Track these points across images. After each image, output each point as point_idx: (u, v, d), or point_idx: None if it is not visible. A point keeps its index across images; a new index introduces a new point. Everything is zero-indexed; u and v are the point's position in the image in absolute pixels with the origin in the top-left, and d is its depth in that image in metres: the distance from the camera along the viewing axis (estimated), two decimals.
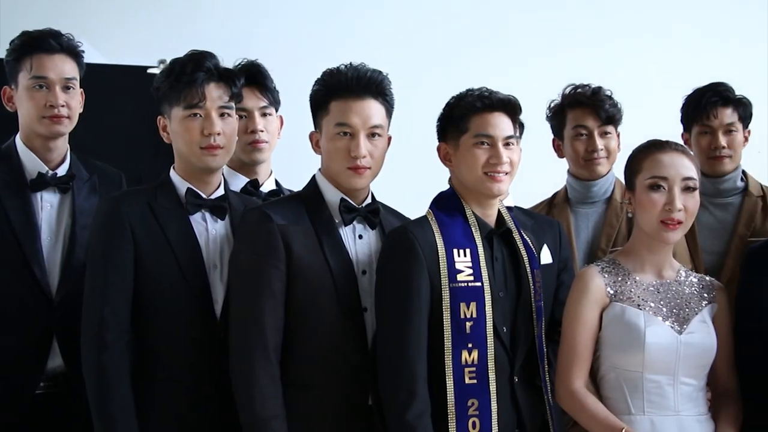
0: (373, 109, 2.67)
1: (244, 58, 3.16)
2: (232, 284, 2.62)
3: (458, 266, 2.57)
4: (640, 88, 4.82)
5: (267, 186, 3.20)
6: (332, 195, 2.69)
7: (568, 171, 3.40)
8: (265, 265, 2.56)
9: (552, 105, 3.40)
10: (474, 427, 2.50)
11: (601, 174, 3.31)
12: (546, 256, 2.85)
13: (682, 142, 3.34)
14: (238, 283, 2.59)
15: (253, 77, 3.11)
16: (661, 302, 2.56)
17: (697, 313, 2.56)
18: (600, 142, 3.28)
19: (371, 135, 2.66)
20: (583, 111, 3.29)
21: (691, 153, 2.65)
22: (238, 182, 3.13)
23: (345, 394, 2.59)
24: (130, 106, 4.35)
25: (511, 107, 2.65)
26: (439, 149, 2.72)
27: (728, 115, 3.41)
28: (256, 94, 3.14)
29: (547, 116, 3.42)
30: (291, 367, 2.57)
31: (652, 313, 2.52)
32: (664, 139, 2.64)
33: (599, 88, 3.30)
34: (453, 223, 2.63)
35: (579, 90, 3.32)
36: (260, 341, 2.52)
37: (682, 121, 3.53)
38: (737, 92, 3.43)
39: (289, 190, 3.15)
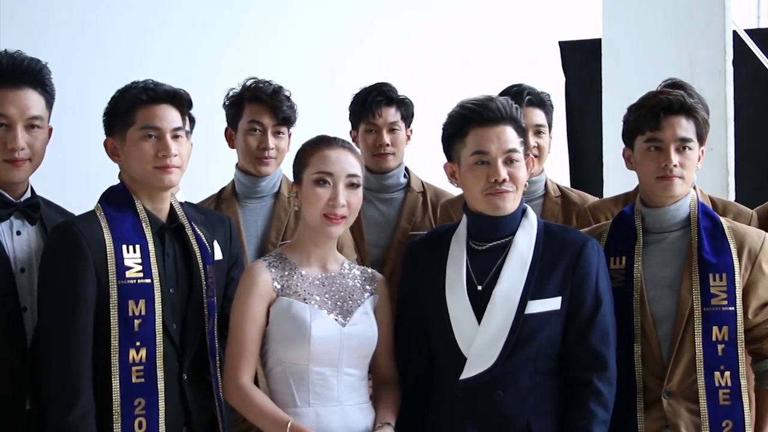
0: (31, 99, 2.55)
1: None
2: None
3: (127, 263, 2.51)
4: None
5: None
6: None
7: (237, 165, 3.40)
8: None
9: (231, 94, 3.37)
10: (140, 426, 2.46)
11: (268, 173, 3.33)
12: (217, 252, 2.83)
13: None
14: None
15: None
16: (326, 295, 2.60)
17: (360, 305, 2.62)
18: (272, 141, 3.29)
19: (29, 126, 2.55)
20: (261, 107, 3.29)
21: (357, 151, 2.72)
22: None
23: (0, 399, 2.46)
24: None
25: (178, 99, 2.62)
26: (106, 144, 2.63)
27: (392, 114, 3.55)
28: None
29: (224, 104, 3.39)
30: None
31: (317, 307, 2.56)
32: (332, 135, 2.69)
33: (280, 88, 3.32)
34: (123, 218, 2.56)
35: (260, 85, 3.31)
36: None
37: (350, 119, 3.63)
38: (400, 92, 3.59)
39: None
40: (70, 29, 4.78)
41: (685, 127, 2.66)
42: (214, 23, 5.12)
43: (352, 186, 2.61)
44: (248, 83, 3.33)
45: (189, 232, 2.65)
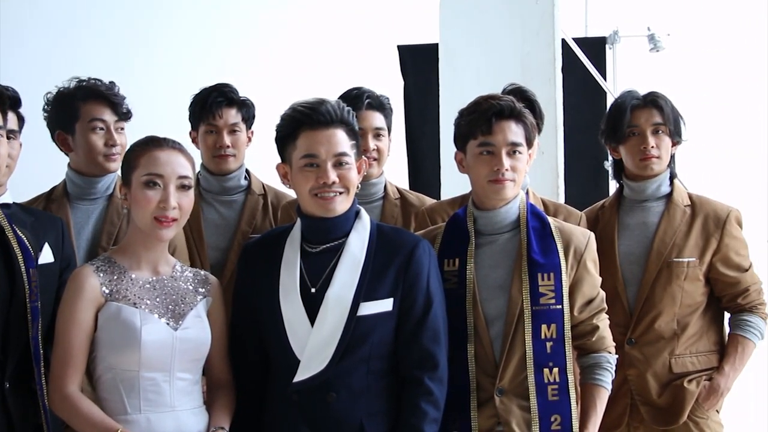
0: None
1: None
2: None
3: None
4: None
5: None
6: None
7: (69, 165, 3.29)
8: None
9: (56, 97, 3.26)
10: None
11: (111, 170, 3.25)
12: (47, 255, 2.75)
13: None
14: None
15: None
16: (157, 299, 2.56)
17: (192, 308, 2.59)
18: (117, 138, 3.22)
19: None
20: (100, 105, 3.20)
21: (188, 151, 2.68)
22: None
23: None
24: None
25: None
26: None
27: (233, 115, 3.52)
28: None
29: (47, 108, 3.27)
30: None
31: (148, 311, 2.51)
32: (162, 136, 2.65)
33: (113, 83, 3.25)
34: None
35: (92, 83, 3.23)
36: None
37: (190, 119, 3.58)
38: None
39: None
40: None
41: (515, 132, 2.73)
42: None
43: (183, 188, 2.58)
44: (74, 83, 3.23)
45: (9, 234, 2.56)
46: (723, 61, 5.96)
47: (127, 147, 3.20)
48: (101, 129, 3.21)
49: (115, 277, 2.54)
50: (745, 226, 3.33)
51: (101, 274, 2.53)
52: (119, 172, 3.24)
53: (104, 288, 2.51)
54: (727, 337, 3.32)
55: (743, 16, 5.93)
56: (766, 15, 5.87)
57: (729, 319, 3.34)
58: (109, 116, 3.21)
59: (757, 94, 5.89)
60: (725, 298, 3.30)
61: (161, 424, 2.48)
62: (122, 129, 3.25)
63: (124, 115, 3.24)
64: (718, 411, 3.28)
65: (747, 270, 3.28)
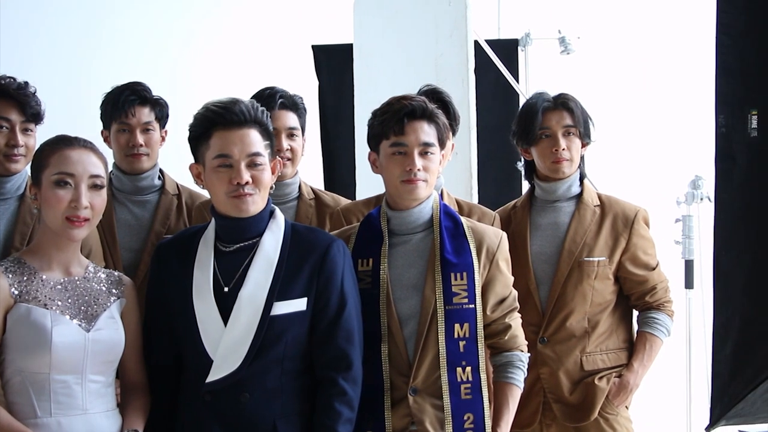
0: None
1: None
2: None
3: None
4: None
5: None
6: None
7: None
8: None
9: None
10: None
11: (17, 170, 3.19)
12: None
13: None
14: None
15: None
16: (69, 300, 2.52)
17: (105, 310, 2.56)
18: (21, 138, 3.16)
19: None
20: (6, 104, 3.13)
21: (100, 150, 2.65)
22: None
23: None
24: None
25: None
26: None
27: (146, 114, 3.49)
28: None
29: None
30: None
31: (59, 312, 2.48)
32: (72, 135, 2.62)
33: (26, 83, 3.19)
34: None
35: (3, 81, 3.17)
36: None
37: (101, 118, 3.54)
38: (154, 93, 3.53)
39: None
40: None
41: (428, 132, 2.75)
42: None
43: (95, 187, 2.55)
44: None
45: None
46: (630, 64, 6.10)
47: (34, 150, 3.19)
48: (5, 128, 3.15)
49: (25, 278, 2.50)
50: (652, 226, 3.41)
51: (10, 275, 2.49)
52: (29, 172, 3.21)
53: (13, 289, 2.47)
54: (635, 335, 3.41)
55: (650, 20, 6.09)
56: (671, 20, 6.04)
57: (637, 316, 3.42)
58: (15, 116, 3.15)
59: (663, 96, 6.05)
60: (633, 296, 3.37)
61: (72, 427, 2.45)
62: (30, 131, 3.18)
63: (33, 117, 3.17)
64: (627, 407, 3.35)
65: (654, 269, 3.36)
